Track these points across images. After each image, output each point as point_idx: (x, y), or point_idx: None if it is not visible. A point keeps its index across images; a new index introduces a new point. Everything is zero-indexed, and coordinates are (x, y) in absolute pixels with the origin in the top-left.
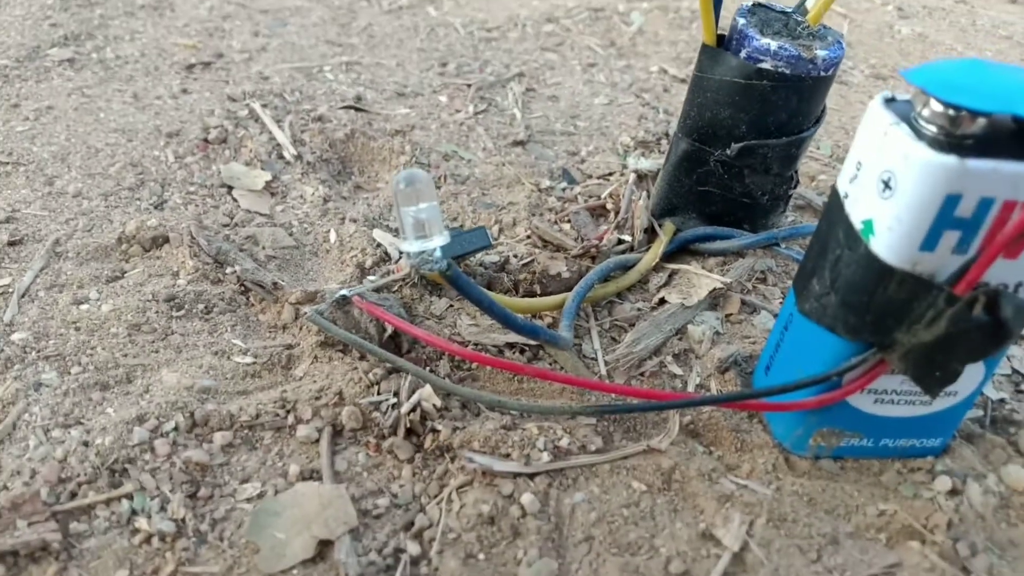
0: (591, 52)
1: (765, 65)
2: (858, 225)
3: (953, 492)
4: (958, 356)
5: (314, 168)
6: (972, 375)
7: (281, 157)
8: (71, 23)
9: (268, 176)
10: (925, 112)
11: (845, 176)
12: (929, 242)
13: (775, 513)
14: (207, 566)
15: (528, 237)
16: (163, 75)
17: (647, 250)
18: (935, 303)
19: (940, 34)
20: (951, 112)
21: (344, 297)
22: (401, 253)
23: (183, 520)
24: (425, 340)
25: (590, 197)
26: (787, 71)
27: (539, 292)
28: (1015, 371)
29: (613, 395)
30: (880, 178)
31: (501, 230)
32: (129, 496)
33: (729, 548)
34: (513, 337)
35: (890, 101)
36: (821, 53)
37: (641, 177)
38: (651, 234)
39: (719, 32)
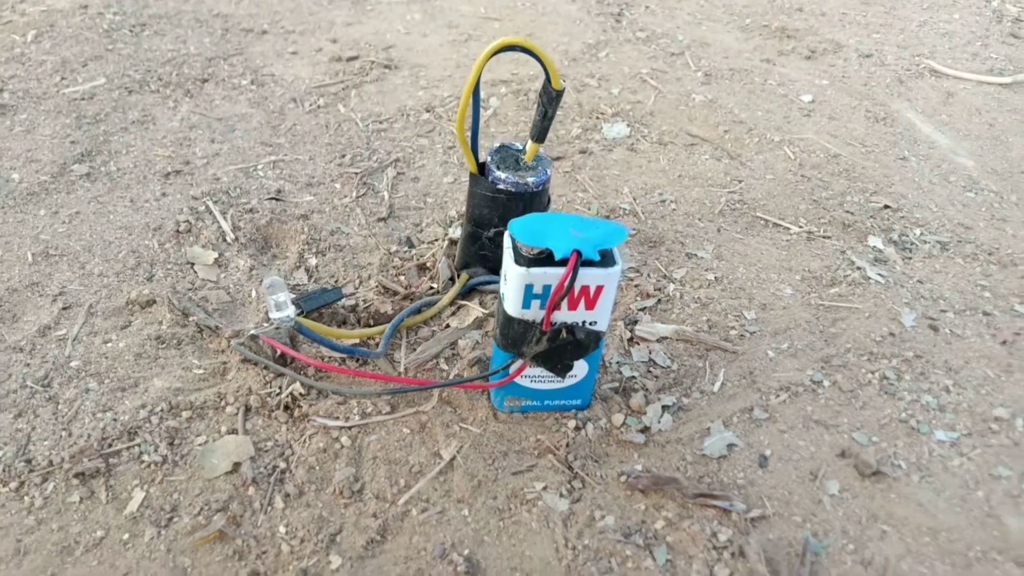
0: (452, 136)
1: (501, 186)
2: (500, 294)
3: (577, 428)
4: (565, 358)
5: (245, 247)
6: (581, 367)
7: (225, 240)
8: (85, 140)
9: (216, 254)
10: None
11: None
12: (526, 305)
13: (477, 441)
14: (177, 476)
15: (376, 287)
16: (149, 182)
17: (447, 293)
18: (536, 333)
19: (729, 97)
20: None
21: (254, 335)
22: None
23: (165, 456)
24: (296, 358)
25: (420, 257)
26: (513, 190)
27: (372, 324)
28: (651, 360)
29: (401, 384)
30: (504, 274)
31: (361, 283)
32: (139, 445)
33: (445, 459)
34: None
35: None
36: (531, 179)
37: (453, 242)
38: (453, 282)
39: (481, 161)
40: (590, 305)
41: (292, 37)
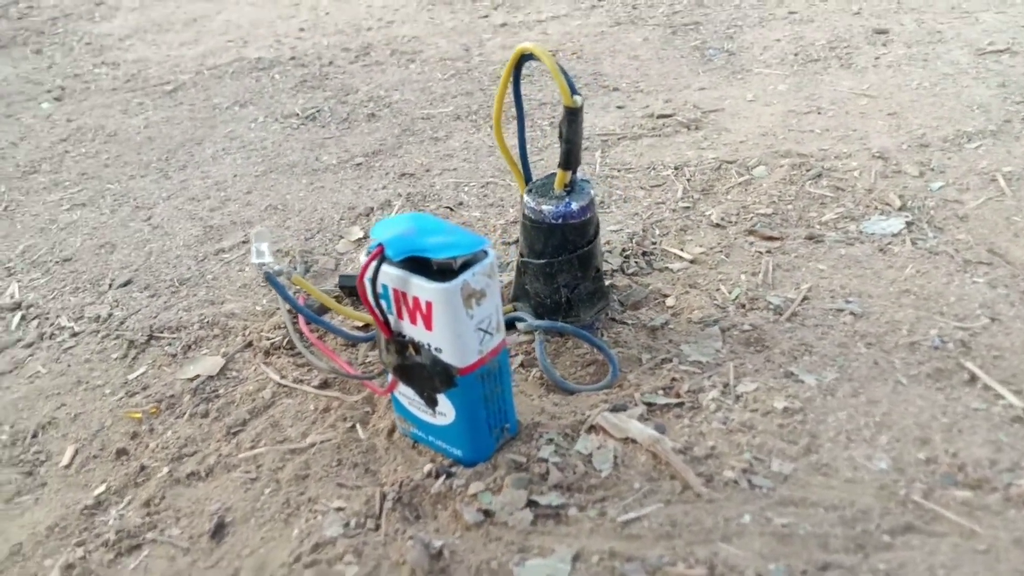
0: (673, 194)
1: (526, 211)
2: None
3: (430, 475)
4: (421, 383)
5: None
6: (447, 408)
7: None
8: (389, 142)
9: (361, 235)
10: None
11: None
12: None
13: (348, 444)
14: (168, 369)
15: None
16: (384, 178)
17: None
18: (383, 338)
19: None
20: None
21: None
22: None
23: (176, 354)
24: (301, 323)
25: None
26: (533, 217)
27: None
28: (589, 456)
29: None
30: None
31: None
32: (171, 340)
33: (305, 444)
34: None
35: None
36: (547, 208)
37: None
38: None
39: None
40: (427, 324)
41: (635, 95)
